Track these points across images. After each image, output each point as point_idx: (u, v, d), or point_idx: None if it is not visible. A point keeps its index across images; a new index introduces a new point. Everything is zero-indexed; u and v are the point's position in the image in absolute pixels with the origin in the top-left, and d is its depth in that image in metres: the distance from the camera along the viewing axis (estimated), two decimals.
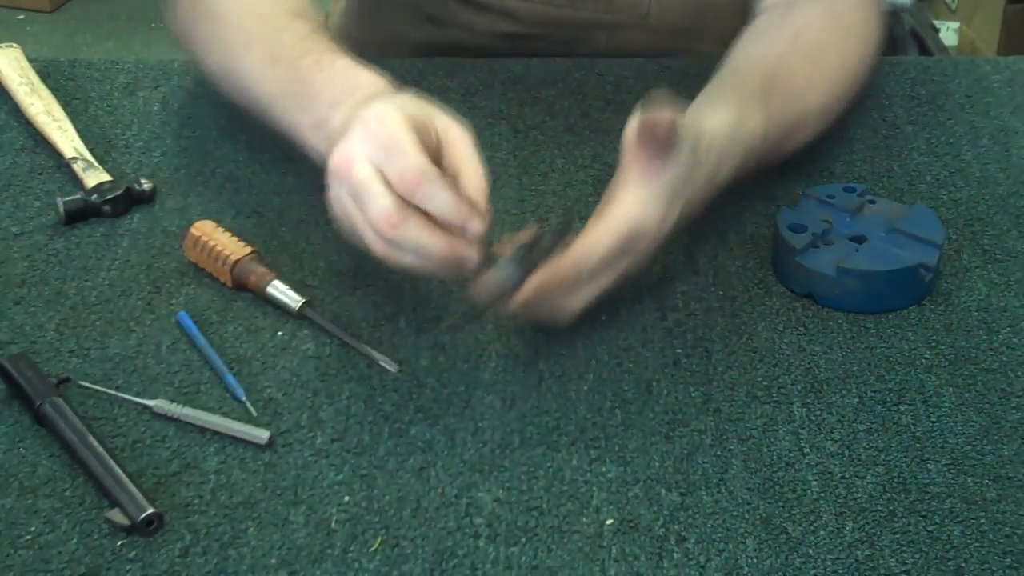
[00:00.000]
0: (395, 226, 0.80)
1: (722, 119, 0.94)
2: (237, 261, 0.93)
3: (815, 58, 1.05)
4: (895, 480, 0.79)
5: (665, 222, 0.87)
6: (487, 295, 0.83)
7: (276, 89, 0.99)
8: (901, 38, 1.57)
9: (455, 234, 0.82)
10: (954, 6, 2.97)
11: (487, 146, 0.97)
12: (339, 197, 0.85)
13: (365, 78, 0.94)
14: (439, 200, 0.81)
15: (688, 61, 1.24)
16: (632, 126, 0.85)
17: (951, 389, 0.86)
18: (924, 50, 1.58)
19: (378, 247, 0.83)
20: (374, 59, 1.23)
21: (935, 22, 2.44)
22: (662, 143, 0.84)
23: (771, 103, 0.99)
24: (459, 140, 0.86)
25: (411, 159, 0.81)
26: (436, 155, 0.85)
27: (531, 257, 0.83)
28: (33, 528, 0.76)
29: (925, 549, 0.75)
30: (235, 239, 0.95)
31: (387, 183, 0.81)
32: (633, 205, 0.85)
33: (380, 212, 0.81)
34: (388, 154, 0.81)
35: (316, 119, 0.94)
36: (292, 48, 0.99)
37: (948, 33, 2.86)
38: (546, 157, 1.09)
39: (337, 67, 0.95)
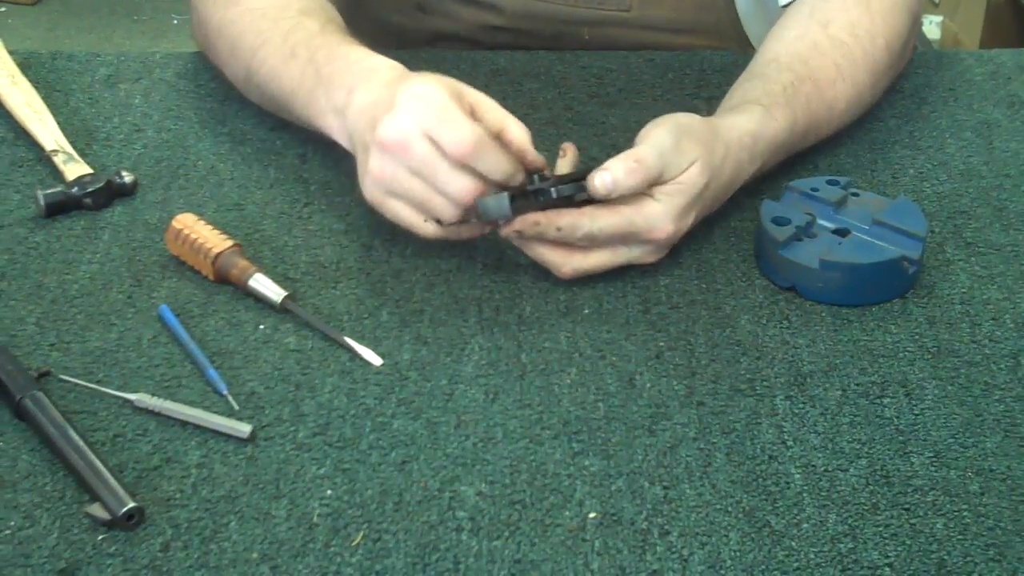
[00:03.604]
0: (475, 150, 0.86)
1: (749, 120, 0.99)
2: (219, 254, 0.93)
3: (845, 44, 1.07)
4: (878, 473, 0.79)
5: (679, 230, 0.92)
6: (476, 215, 0.89)
7: (294, 83, 1.03)
8: None
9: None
10: (937, 0, 2.97)
11: None
12: (394, 173, 0.89)
13: (382, 62, 0.98)
14: (493, 160, 0.87)
15: (672, 54, 1.24)
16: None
17: (934, 382, 0.86)
18: None
19: (449, 212, 0.89)
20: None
21: None
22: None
23: (798, 97, 1.02)
24: (492, 105, 0.91)
25: (465, 127, 0.87)
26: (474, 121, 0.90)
27: (529, 202, 0.89)
28: (13, 523, 0.75)
29: (908, 542, 0.75)
30: (217, 232, 0.95)
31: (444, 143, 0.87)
32: (651, 210, 0.90)
33: (459, 139, 0.86)
34: (442, 124, 0.87)
35: (335, 105, 0.98)
36: (305, 44, 1.03)
37: (931, 27, 2.87)
38: None
39: (353, 55, 1.00)
